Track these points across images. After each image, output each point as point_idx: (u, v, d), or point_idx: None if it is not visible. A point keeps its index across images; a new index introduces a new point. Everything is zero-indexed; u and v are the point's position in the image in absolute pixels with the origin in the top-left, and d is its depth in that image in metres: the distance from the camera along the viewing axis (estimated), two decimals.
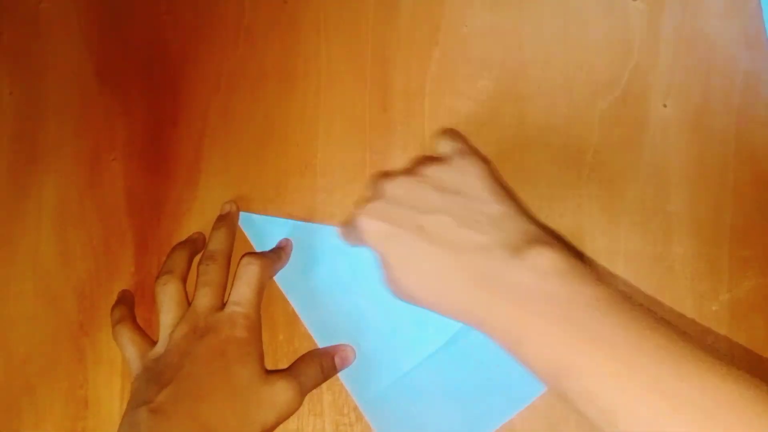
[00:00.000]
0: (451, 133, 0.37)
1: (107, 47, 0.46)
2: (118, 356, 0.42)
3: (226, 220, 0.41)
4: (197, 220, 0.43)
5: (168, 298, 0.38)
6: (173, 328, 0.37)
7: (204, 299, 0.37)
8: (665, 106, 0.40)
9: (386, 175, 0.34)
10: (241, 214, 0.42)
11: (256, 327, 0.37)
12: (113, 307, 0.41)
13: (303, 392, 0.36)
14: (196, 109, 0.44)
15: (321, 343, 0.40)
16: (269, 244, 0.41)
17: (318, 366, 0.37)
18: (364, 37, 0.43)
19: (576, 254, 0.30)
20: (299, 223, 0.41)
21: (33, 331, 0.43)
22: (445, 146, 0.35)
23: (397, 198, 0.32)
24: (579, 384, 0.26)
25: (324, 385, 0.39)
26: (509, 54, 0.42)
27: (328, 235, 0.40)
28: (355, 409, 0.39)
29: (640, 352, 0.26)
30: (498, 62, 0.42)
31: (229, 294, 0.38)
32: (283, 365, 0.39)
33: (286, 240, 0.41)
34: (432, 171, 0.33)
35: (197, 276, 0.38)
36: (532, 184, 0.40)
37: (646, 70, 0.40)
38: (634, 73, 0.40)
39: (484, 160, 0.34)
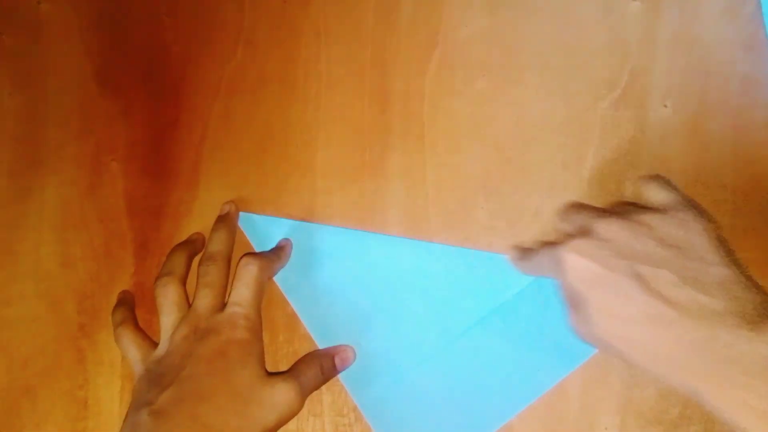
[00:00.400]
0: (665, 182, 0.33)
1: (107, 50, 0.46)
2: (119, 357, 0.42)
3: (226, 221, 0.41)
4: (197, 221, 0.43)
5: (168, 299, 0.38)
6: (174, 330, 0.37)
7: (204, 300, 0.37)
8: (666, 106, 0.40)
9: (592, 210, 0.32)
10: (241, 214, 0.42)
11: (256, 328, 0.37)
12: (114, 309, 0.41)
13: (304, 394, 0.36)
14: (197, 112, 0.44)
15: (321, 344, 0.40)
16: (269, 245, 0.41)
17: (318, 367, 0.37)
18: (363, 39, 0.43)
19: None
20: (299, 222, 0.41)
21: (34, 333, 0.43)
22: (660, 194, 0.32)
23: (611, 240, 0.30)
24: None
25: (324, 386, 0.39)
26: (508, 56, 0.42)
27: (328, 235, 0.40)
28: (355, 409, 0.39)
29: None
30: (497, 64, 0.42)
31: (229, 295, 0.38)
32: (284, 366, 0.39)
33: (286, 240, 0.41)
34: (650, 219, 0.30)
35: (197, 277, 0.38)
36: (532, 185, 0.40)
37: (644, 72, 0.40)
38: (633, 74, 0.40)
39: (709, 218, 0.31)
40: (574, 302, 0.31)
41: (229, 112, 0.44)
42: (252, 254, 0.39)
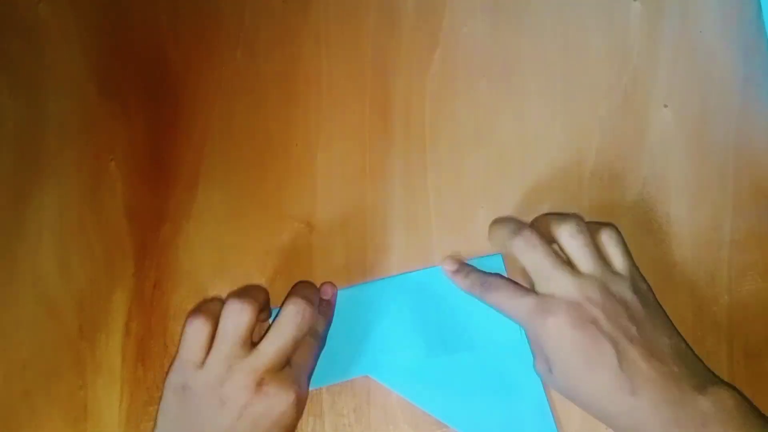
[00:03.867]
0: (622, 243, 0.36)
1: (107, 52, 0.46)
2: (118, 361, 0.42)
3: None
4: (196, 225, 0.43)
5: (239, 328, 0.35)
6: (232, 361, 0.34)
7: (273, 348, 0.35)
8: (666, 106, 0.40)
9: (555, 260, 0.34)
10: None
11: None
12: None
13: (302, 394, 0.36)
14: (197, 116, 0.44)
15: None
16: None
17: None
18: (364, 42, 0.43)
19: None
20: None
21: (32, 337, 0.43)
22: (621, 262, 0.35)
23: (596, 313, 0.32)
24: None
25: (324, 387, 0.39)
26: (509, 59, 0.42)
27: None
28: (355, 410, 0.39)
29: None
30: (498, 67, 0.42)
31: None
32: None
33: (329, 289, 0.40)
34: (624, 292, 0.33)
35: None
36: (533, 187, 0.40)
37: (645, 74, 0.40)
38: (634, 77, 0.40)
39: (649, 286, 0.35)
40: (544, 355, 0.33)
41: (228, 115, 0.44)
42: (320, 320, 0.38)
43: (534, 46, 0.42)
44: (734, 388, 0.31)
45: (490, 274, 0.37)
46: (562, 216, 0.36)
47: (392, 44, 0.43)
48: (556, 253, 0.34)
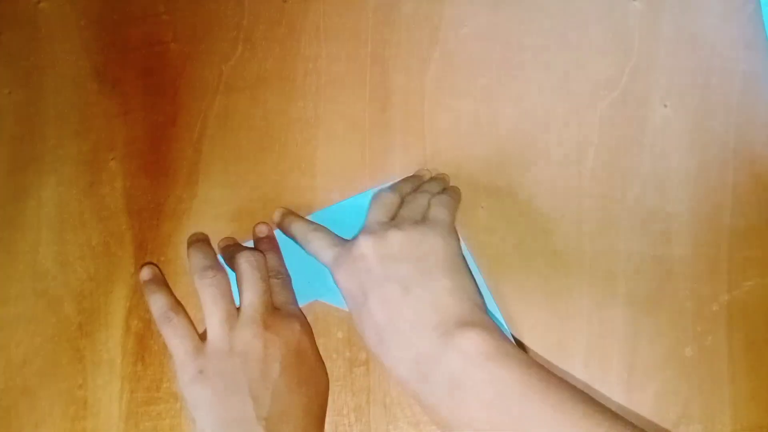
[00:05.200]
0: (447, 200, 0.38)
1: (106, 48, 0.46)
2: (118, 357, 0.42)
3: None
4: (196, 220, 0.43)
5: (217, 292, 0.38)
6: (229, 325, 0.36)
7: (256, 295, 0.37)
8: (666, 106, 0.40)
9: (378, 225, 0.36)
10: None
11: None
12: (152, 295, 0.39)
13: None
14: (196, 110, 0.44)
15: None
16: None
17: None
18: (363, 37, 0.43)
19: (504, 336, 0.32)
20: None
21: (32, 332, 0.43)
22: (437, 212, 0.37)
23: (362, 259, 0.34)
24: None
25: None
26: (509, 54, 0.42)
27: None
28: (355, 409, 0.39)
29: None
30: (497, 62, 0.42)
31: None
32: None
33: (264, 229, 0.41)
34: (403, 246, 0.34)
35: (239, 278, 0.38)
36: (532, 184, 0.40)
37: (645, 70, 0.40)
38: (634, 73, 0.40)
39: (448, 233, 0.36)
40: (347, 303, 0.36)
41: (228, 110, 0.44)
42: (270, 257, 0.39)
43: (534, 42, 0.42)
44: (483, 326, 0.31)
45: (314, 224, 0.39)
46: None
47: (392, 39, 0.43)
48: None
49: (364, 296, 0.33)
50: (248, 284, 0.37)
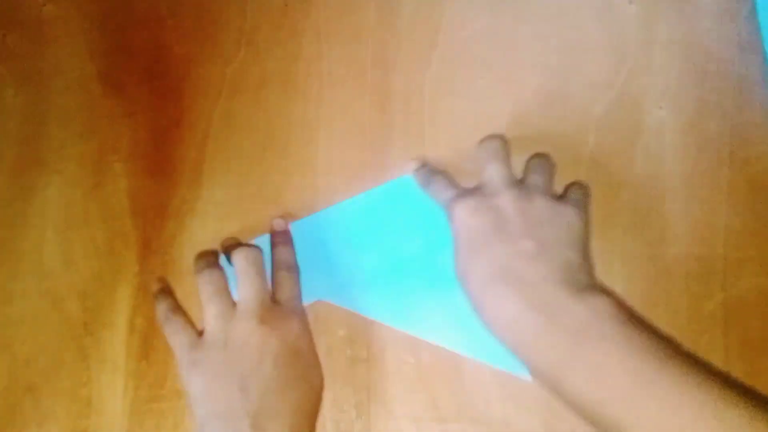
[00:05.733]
0: (581, 186, 0.38)
1: (111, 51, 0.46)
2: (122, 356, 0.42)
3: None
4: (200, 220, 0.43)
5: (213, 287, 0.38)
6: (223, 318, 0.37)
7: (252, 290, 0.38)
8: (661, 108, 0.40)
9: (502, 177, 0.36)
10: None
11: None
12: (159, 294, 0.41)
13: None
14: (199, 112, 0.44)
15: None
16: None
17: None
18: (364, 39, 0.43)
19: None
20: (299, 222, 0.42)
21: (36, 331, 0.43)
22: (572, 192, 0.37)
23: (497, 209, 0.34)
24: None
25: (325, 385, 0.39)
26: (507, 56, 0.42)
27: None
28: (355, 406, 0.40)
29: (691, 410, 0.28)
30: (496, 64, 0.42)
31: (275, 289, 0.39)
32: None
33: (282, 224, 0.42)
34: (537, 205, 0.35)
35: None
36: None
37: (641, 73, 0.41)
38: (630, 76, 0.41)
39: (578, 213, 0.35)
40: (456, 243, 0.35)
41: (231, 112, 0.44)
42: (282, 250, 0.40)
43: (532, 44, 0.42)
44: (612, 296, 0.31)
45: (439, 171, 0.40)
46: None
47: (392, 40, 0.43)
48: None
49: (488, 242, 0.33)
50: (244, 279, 0.37)
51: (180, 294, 0.42)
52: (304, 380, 0.36)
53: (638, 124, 0.40)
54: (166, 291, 0.42)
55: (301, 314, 0.38)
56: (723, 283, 0.38)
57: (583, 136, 0.40)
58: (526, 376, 0.38)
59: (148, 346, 0.42)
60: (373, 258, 0.41)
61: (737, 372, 0.37)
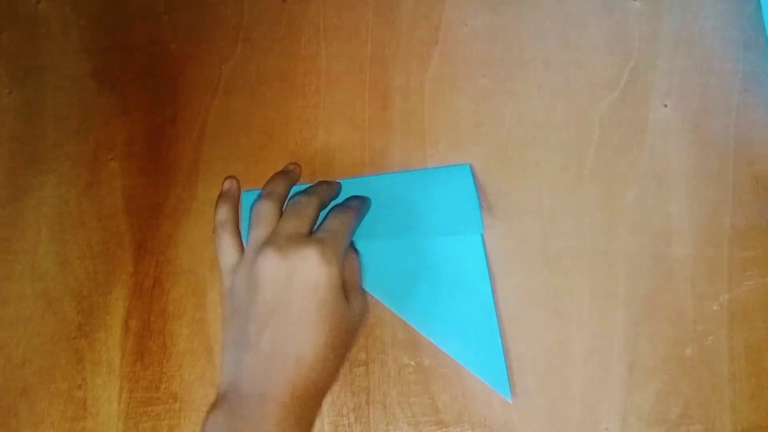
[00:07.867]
0: None
1: (106, 48, 0.46)
2: (117, 357, 0.42)
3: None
4: (196, 220, 0.43)
5: (262, 214, 0.37)
6: (259, 244, 0.36)
7: (291, 223, 0.36)
8: (666, 106, 0.40)
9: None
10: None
11: (341, 260, 0.36)
12: (219, 204, 0.40)
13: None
14: (195, 110, 0.44)
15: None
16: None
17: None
18: (363, 36, 0.43)
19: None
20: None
21: (31, 332, 0.43)
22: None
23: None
24: None
25: None
26: (509, 53, 0.42)
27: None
28: (354, 409, 0.39)
29: None
30: (497, 61, 0.42)
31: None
32: None
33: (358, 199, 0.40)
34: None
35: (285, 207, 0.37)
36: (532, 184, 0.40)
37: (645, 70, 0.40)
38: (634, 73, 0.40)
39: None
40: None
41: (228, 110, 0.44)
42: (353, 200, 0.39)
43: (534, 42, 0.42)
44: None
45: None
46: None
47: (391, 39, 0.43)
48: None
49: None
50: (294, 210, 0.36)
51: (175, 294, 0.42)
52: (329, 314, 0.34)
53: (642, 123, 0.40)
54: (232, 198, 0.41)
55: (325, 256, 0.34)
56: (728, 283, 0.38)
57: (587, 134, 0.40)
58: (508, 398, 0.37)
59: (143, 347, 0.42)
60: (380, 243, 0.40)
61: (742, 373, 0.36)
